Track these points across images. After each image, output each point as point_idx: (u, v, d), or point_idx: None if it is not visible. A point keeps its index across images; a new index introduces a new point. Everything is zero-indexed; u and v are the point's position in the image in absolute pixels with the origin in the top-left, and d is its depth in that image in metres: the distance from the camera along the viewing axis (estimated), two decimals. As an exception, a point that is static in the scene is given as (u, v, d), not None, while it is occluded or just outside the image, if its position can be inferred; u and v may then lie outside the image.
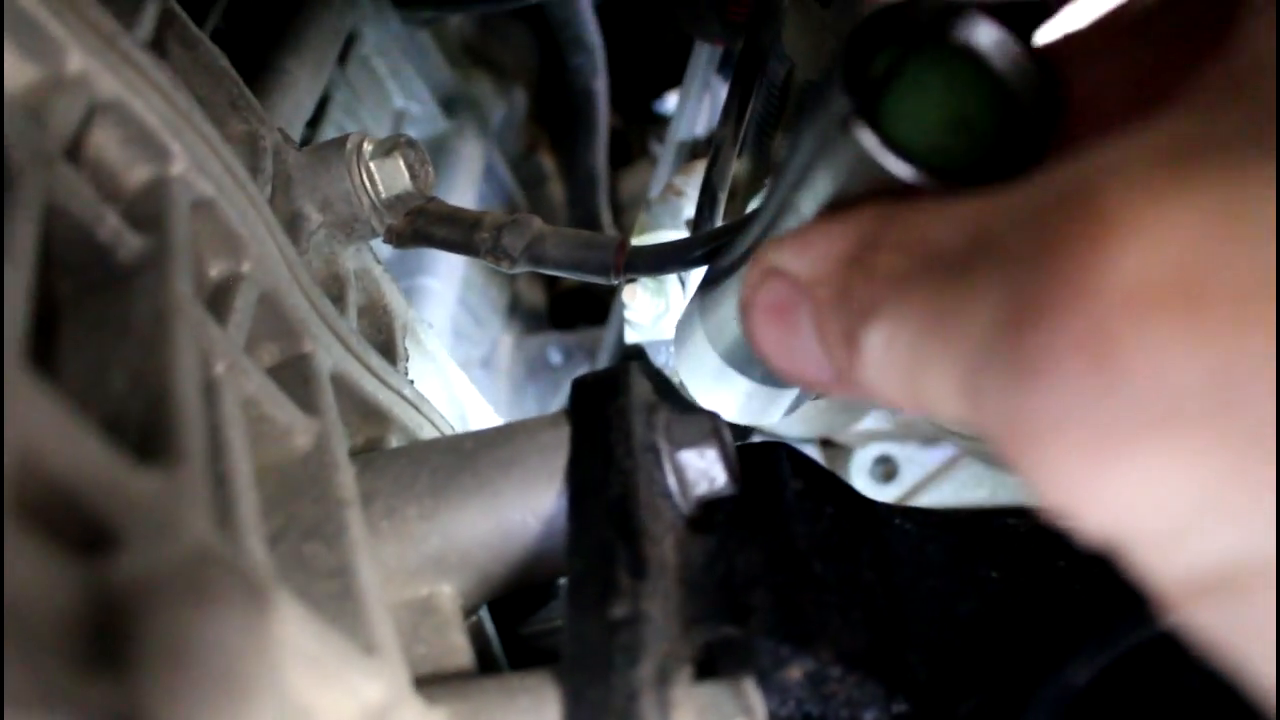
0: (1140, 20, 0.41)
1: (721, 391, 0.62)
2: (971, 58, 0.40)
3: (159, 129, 0.53)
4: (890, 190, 0.39)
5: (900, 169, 0.38)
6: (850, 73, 0.40)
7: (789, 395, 0.63)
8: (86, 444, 0.32)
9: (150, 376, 0.41)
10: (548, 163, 1.80)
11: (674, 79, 1.31)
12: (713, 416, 0.57)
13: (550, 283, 1.87)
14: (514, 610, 0.68)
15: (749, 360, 0.59)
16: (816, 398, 0.77)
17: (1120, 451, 0.29)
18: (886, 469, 1.27)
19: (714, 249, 0.68)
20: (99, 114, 0.51)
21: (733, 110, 0.86)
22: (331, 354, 0.64)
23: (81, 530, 0.32)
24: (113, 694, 0.27)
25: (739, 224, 0.66)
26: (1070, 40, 0.43)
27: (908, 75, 0.40)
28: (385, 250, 1.21)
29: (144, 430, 0.39)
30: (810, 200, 0.44)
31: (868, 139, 0.38)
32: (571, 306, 1.84)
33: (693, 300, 0.62)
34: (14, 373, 0.31)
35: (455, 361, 0.94)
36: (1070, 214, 0.31)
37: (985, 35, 0.40)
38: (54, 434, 0.31)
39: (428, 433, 0.73)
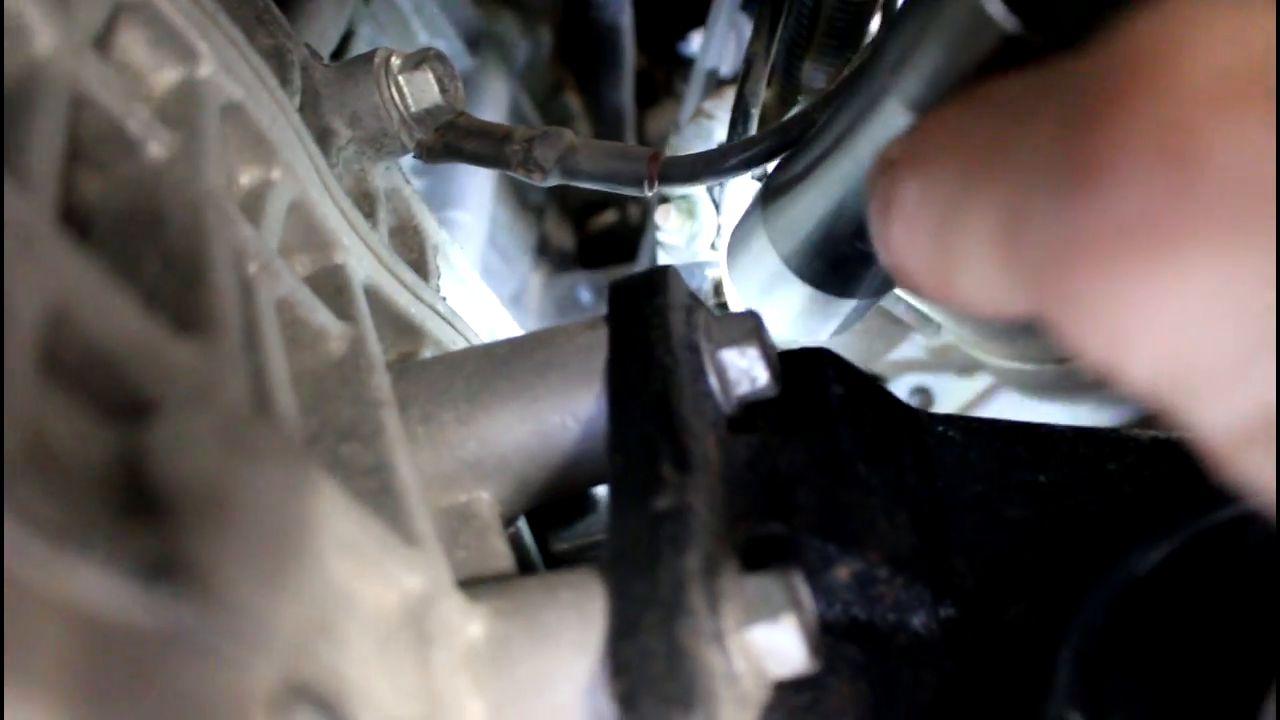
0: None
1: (777, 298, 0.61)
2: None
3: (186, 30, 0.52)
4: (993, 53, 0.39)
5: (1005, 17, 0.38)
6: None
7: (845, 306, 0.62)
8: (121, 307, 0.32)
9: (184, 259, 0.40)
10: (574, 102, 1.78)
11: (698, 19, 1.30)
12: (754, 315, 0.56)
13: (579, 223, 1.86)
14: (549, 526, 0.67)
15: (811, 262, 0.58)
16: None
17: (1189, 261, 0.27)
18: (922, 399, 1.26)
19: (750, 157, 0.67)
20: (125, 12, 0.50)
21: (764, 26, 0.85)
22: (364, 266, 0.63)
23: (118, 396, 0.31)
24: (155, 540, 0.26)
25: (779, 129, 0.65)
26: None
27: None
28: (415, 183, 1.20)
29: (179, 309, 0.38)
30: (915, 77, 0.44)
31: None
32: (600, 247, 1.83)
33: (754, 203, 0.62)
34: (45, 230, 0.30)
35: (485, 297, 0.93)
36: (1145, 32, 0.29)
37: None
38: (87, 294, 0.30)
39: (461, 347, 0.72)
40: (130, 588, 0.24)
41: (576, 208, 1.86)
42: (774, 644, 0.44)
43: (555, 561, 0.67)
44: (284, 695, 0.28)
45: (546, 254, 1.70)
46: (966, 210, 0.33)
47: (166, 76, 0.52)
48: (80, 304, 0.30)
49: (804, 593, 0.46)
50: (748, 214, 0.62)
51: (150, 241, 0.42)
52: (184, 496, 0.28)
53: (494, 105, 1.51)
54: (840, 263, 0.57)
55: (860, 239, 0.53)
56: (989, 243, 0.33)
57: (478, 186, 1.36)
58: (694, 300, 0.59)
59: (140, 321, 0.32)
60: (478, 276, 0.90)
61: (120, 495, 0.28)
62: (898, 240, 0.38)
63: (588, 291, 1.63)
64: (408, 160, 0.78)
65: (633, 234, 1.77)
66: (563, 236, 1.80)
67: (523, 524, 0.64)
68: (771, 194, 0.60)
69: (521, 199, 1.58)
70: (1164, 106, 0.27)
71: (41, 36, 0.42)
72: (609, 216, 1.88)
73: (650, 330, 0.54)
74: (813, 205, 0.56)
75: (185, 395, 0.31)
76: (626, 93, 1.74)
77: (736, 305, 0.66)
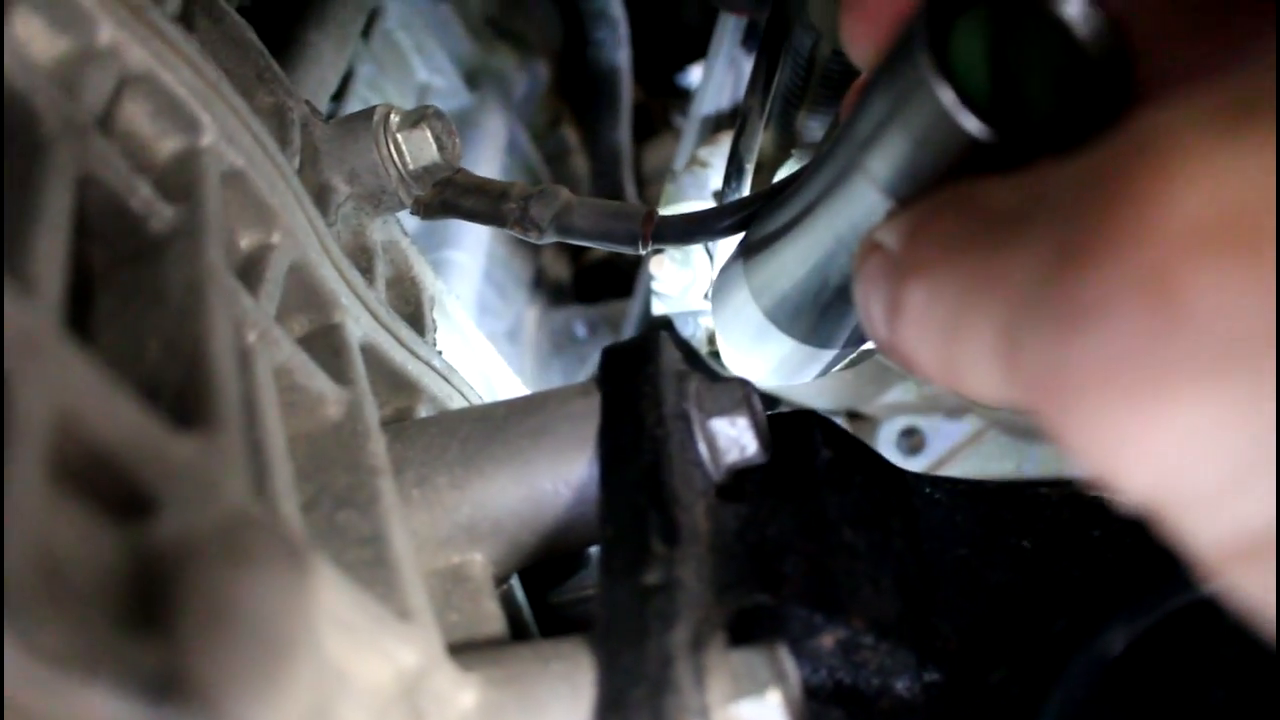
0: None
1: (760, 349, 0.62)
2: (1058, 26, 0.41)
3: (189, 100, 0.53)
4: (962, 153, 0.40)
5: (976, 127, 0.39)
6: (932, 31, 0.40)
7: (827, 356, 0.63)
8: (124, 408, 0.32)
9: (185, 344, 0.41)
10: (571, 136, 1.79)
11: (697, 52, 1.31)
12: (744, 384, 0.57)
13: (575, 256, 1.87)
14: (544, 579, 0.68)
15: (792, 318, 0.59)
16: (854, 361, 0.77)
17: (1174, 398, 0.28)
18: (913, 441, 1.27)
19: (742, 218, 0.68)
20: (129, 86, 0.51)
21: (759, 80, 0.86)
22: (361, 325, 0.64)
23: (121, 495, 0.32)
24: (157, 654, 0.27)
25: (770, 191, 0.66)
26: None
27: (991, 39, 0.41)
28: (411, 223, 1.21)
29: (180, 397, 0.39)
30: (881, 161, 0.44)
31: (946, 96, 0.39)
32: (596, 280, 1.83)
33: (735, 256, 0.62)
34: (52, 336, 0.31)
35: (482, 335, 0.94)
36: (1129, 163, 0.30)
37: (1074, 6, 0.41)
38: (92, 397, 0.31)
39: (457, 403, 0.73)
40: (135, 709, 0.25)
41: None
42: (759, 718, 0.45)
43: (548, 613, 0.67)
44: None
45: (543, 288, 1.71)
46: (970, 320, 0.35)
47: (169, 146, 0.53)
48: (85, 408, 0.31)
49: (789, 665, 0.47)
50: (729, 266, 0.63)
51: (152, 322, 0.43)
52: (184, 605, 0.29)
53: (492, 140, 1.51)
54: (819, 318, 0.58)
55: (842, 299, 0.54)
56: (991, 353, 0.34)
57: (474, 226, 1.37)
58: (686, 366, 0.60)
59: (142, 420, 0.33)
60: (474, 326, 0.90)
61: (125, 598, 0.29)
62: (909, 341, 0.40)
63: (583, 326, 1.64)
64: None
65: (629, 267, 1.78)
66: (559, 270, 1.81)
67: (515, 580, 0.65)
68: (751, 249, 0.61)
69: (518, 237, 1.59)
70: (1146, 252, 0.28)
71: (48, 119, 0.43)
72: (603, 251, 1.88)
73: (642, 400, 0.55)
74: (791, 264, 0.56)
75: (185, 493, 0.32)
76: (624, 128, 1.75)
77: (729, 354, 0.67)
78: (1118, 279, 0.29)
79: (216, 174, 0.53)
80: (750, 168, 0.83)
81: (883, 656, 0.55)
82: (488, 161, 1.47)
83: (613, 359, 0.59)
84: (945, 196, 0.39)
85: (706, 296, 1.08)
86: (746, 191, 0.84)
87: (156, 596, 0.29)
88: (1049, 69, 0.41)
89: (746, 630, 0.50)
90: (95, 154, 0.45)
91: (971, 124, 0.39)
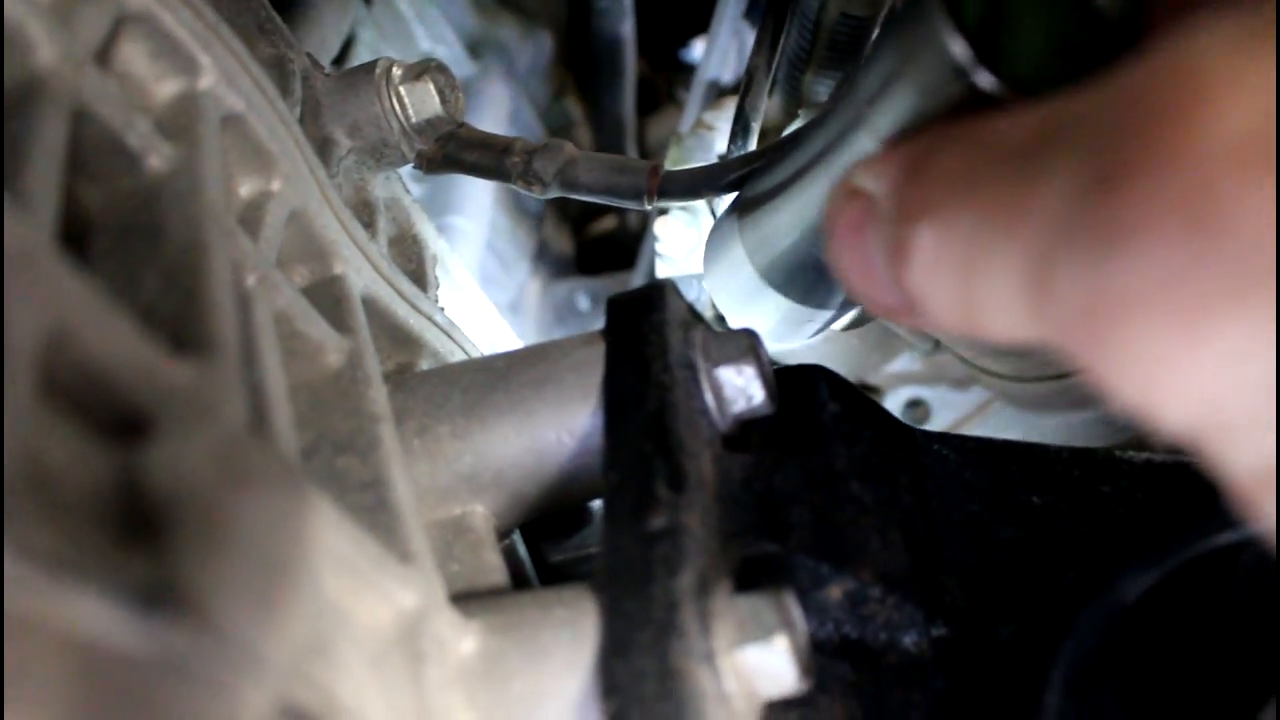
0: None
1: (754, 309, 0.62)
2: None
3: (188, 41, 0.52)
4: (970, 107, 0.39)
5: (989, 81, 0.38)
6: None
7: (823, 316, 0.62)
8: (119, 327, 0.32)
9: (183, 278, 0.40)
10: (575, 108, 1.78)
11: (701, 26, 1.30)
12: (750, 334, 0.57)
13: (577, 229, 1.86)
14: (546, 537, 0.68)
15: (788, 278, 0.58)
16: (852, 324, 0.76)
17: (1218, 320, 0.27)
18: (919, 412, 1.26)
19: (749, 173, 0.67)
20: (127, 25, 0.50)
21: (766, 39, 0.85)
22: (363, 277, 0.63)
23: (114, 415, 0.31)
24: (150, 565, 0.26)
25: (777, 145, 0.65)
26: None
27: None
28: (415, 189, 1.20)
29: (177, 327, 0.38)
30: (887, 115, 0.44)
31: (958, 48, 0.38)
32: (599, 252, 1.83)
33: (729, 214, 0.62)
34: (45, 252, 0.30)
35: (483, 303, 0.93)
36: (1161, 87, 0.29)
37: None
38: (86, 315, 0.31)
39: (459, 358, 0.72)
40: (126, 616, 0.24)
41: (576, 214, 1.87)
42: (765, 664, 0.44)
43: (550, 572, 0.67)
44: (277, 719, 0.29)
45: (545, 260, 1.71)
46: (989, 258, 0.34)
47: (168, 87, 0.52)
48: (79, 326, 0.30)
49: (796, 613, 0.47)
50: (723, 222, 0.62)
51: (149, 257, 0.42)
52: (179, 521, 0.28)
53: (495, 110, 1.51)
54: (816, 278, 0.58)
55: None
56: (1017, 289, 0.33)
57: (477, 193, 1.37)
58: (691, 317, 0.59)
59: (138, 342, 0.32)
60: (476, 285, 0.90)
61: (117, 517, 0.28)
62: (920, 285, 0.38)
63: (586, 298, 1.63)
64: (407, 167, 0.78)
65: (632, 240, 1.77)
66: (562, 242, 1.80)
67: (517, 536, 0.64)
68: (747, 206, 0.60)
69: (521, 205, 1.58)
70: (1186, 169, 0.27)
71: (42, 50, 0.42)
72: (608, 222, 1.88)
73: (647, 347, 0.54)
74: (788, 223, 0.56)
75: (182, 416, 0.32)
76: (628, 99, 1.74)
77: (724, 313, 0.66)
78: (1160, 199, 0.28)
79: (216, 117, 0.52)
80: (756, 126, 0.82)
81: (890, 610, 0.54)
82: (490, 131, 1.46)
83: (618, 308, 0.58)
84: (943, 135, 0.39)
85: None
86: (753, 149, 0.83)
87: (150, 515, 0.29)
88: (1061, 24, 0.40)
89: (753, 579, 0.49)
90: (91, 88, 0.44)
91: (982, 77, 0.38)
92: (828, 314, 0.62)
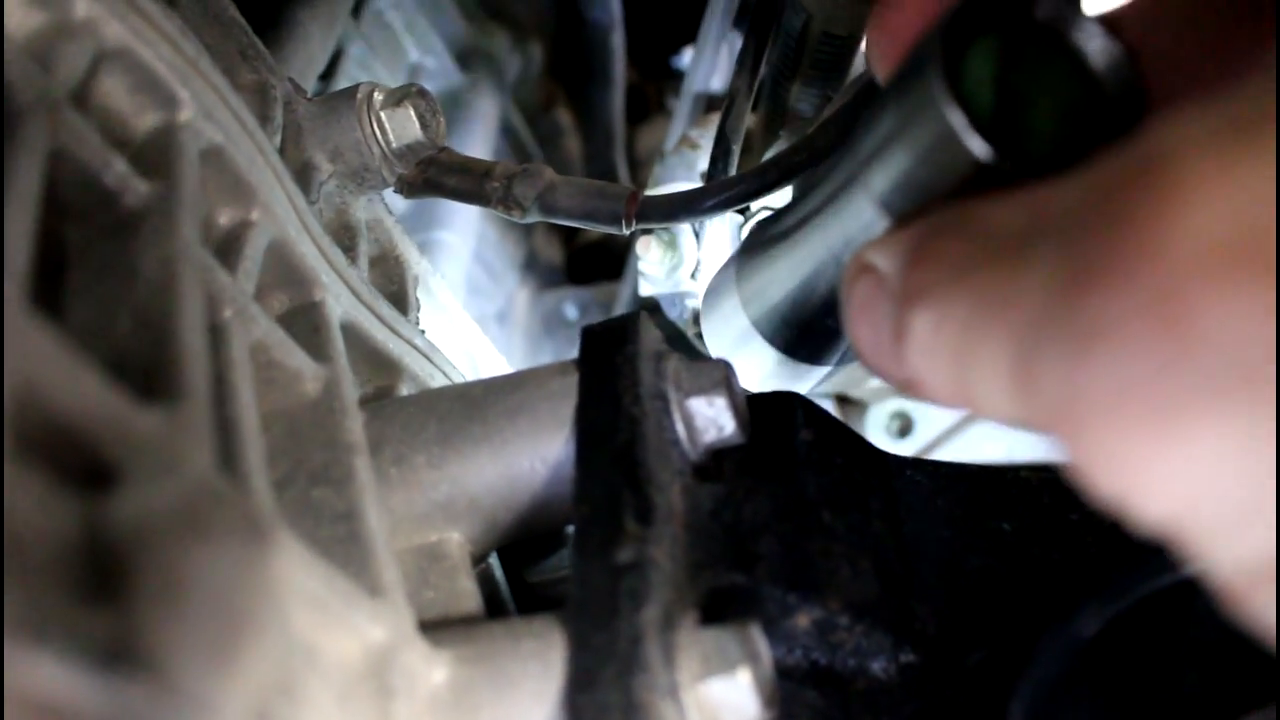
0: None
1: (746, 357, 0.62)
2: (1073, 56, 0.42)
3: (167, 76, 0.53)
4: (966, 175, 0.40)
5: (982, 150, 0.39)
6: (947, 52, 0.40)
7: (814, 374, 0.63)
8: (86, 380, 0.32)
9: (155, 319, 0.41)
10: (565, 118, 1.79)
11: (691, 34, 1.30)
12: (723, 365, 0.57)
13: (567, 238, 1.87)
14: (524, 558, 0.68)
15: (780, 330, 0.59)
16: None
17: (1189, 424, 0.28)
18: (902, 424, 1.27)
19: (727, 198, 0.68)
20: (106, 61, 0.51)
21: (747, 60, 0.86)
22: (342, 302, 0.64)
23: (82, 467, 0.32)
24: (110, 624, 0.27)
25: (755, 172, 0.66)
26: (1131, 8, 0.42)
27: (1004, 64, 0.41)
28: (401, 204, 1.21)
29: (148, 371, 0.39)
30: (883, 178, 0.45)
31: (955, 117, 0.39)
32: (588, 262, 1.83)
33: (730, 260, 0.62)
34: (15, 308, 0.31)
35: (470, 316, 0.94)
36: (1135, 182, 0.29)
37: (1093, 39, 0.41)
38: (54, 369, 0.31)
39: (439, 382, 0.73)
40: (84, 676, 0.25)
41: (565, 223, 1.87)
42: (729, 698, 0.45)
43: (527, 592, 0.68)
44: (234, 767, 0.29)
45: (534, 269, 1.71)
46: (980, 344, 0.35)
47: (147, 121, 0.53)
48: (47, 380, 0.31)
49: (761, 645, 0.47)
50: (724, 269, 0.62)
51: (123, 296, 0.43)
52: (140, 575, 0.29)
53: (485, 121, 1.51)
54: (808, 333, 0.58)
55: (829, 315, 0.54)
56: (1005, 376, 0.34)
57: (464, 206, 1.37)
58: (665, 347, 0.60)
59: (105, 393, 0.33)
60: (460, 306, 0.90)
61: (81, 572, 0.29)
62: (918, 366, 0.39)
63: (574, 308, 1.64)
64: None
65: (621, 249, 1.78)
66: (551, 252, 1.81)
67: (494, 559, 0.65)
68: (746, 254, 0.61)
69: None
70: (1154, 272, 0.28)
71: (20, 91, 0.43)
72: (597, 233, 1.88)
73: (619, 379, 0.55)
74: (782, 276, 0.56)
75: (147, 466, 0.32)
76: (617, 109, 1.75)
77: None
78: (1128, 302, 0.28)
79: (195, 150, 0.53)
80: (737, 148, 0.83)
81: (859, 638, 0.55)
82: (480, 143, 1.47)
83: (591, 339, 0.59)
84: (946, 217, 0.39)
85: (694, 277, 1.08)
86: (733, 172, 0.83)
87: (115, 569, 0.29)
88: (1061, 98, 0.41)
89: (720, 610, 0.50)
90: (68, 128, 0.44)
91: (978, 147, 0.39)
92: (819, 371, 0.63)
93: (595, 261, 1.83)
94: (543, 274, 1.74)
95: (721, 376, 0.56)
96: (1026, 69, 0.41)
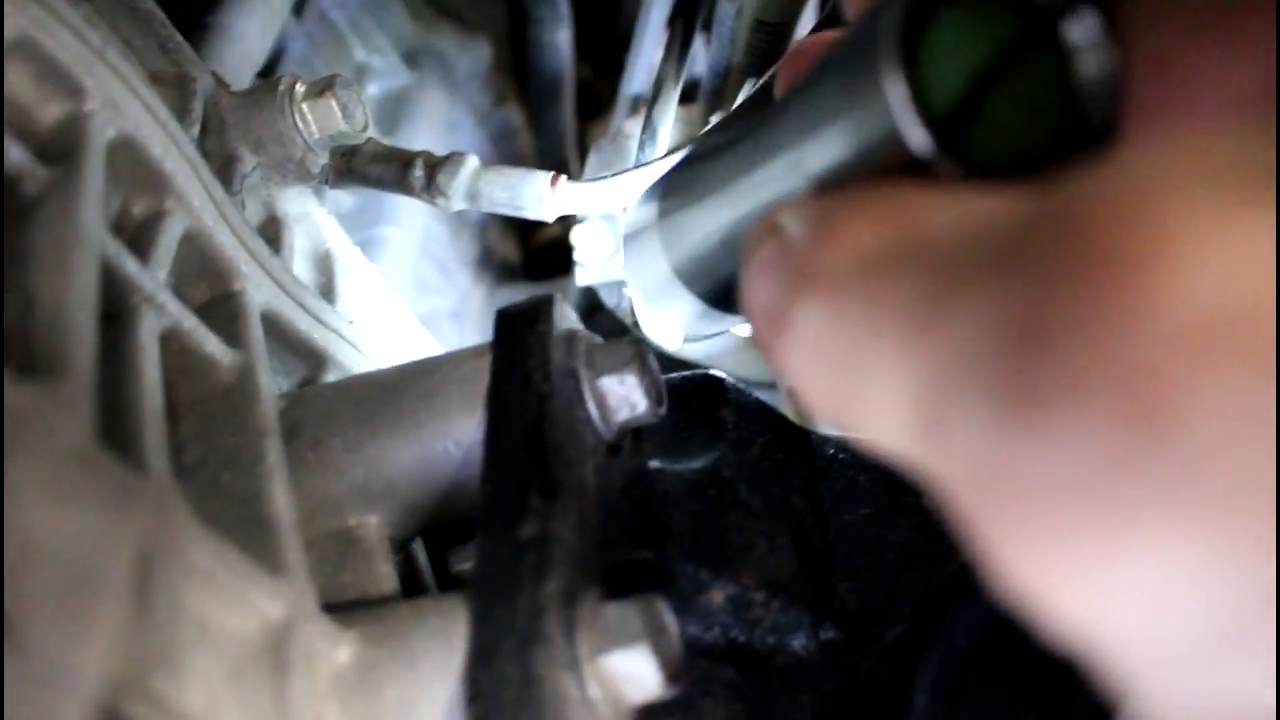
0: None
1: (667, 304, 0.61)
2: (1058, 50, 0.34)
3: (70, 65, 0.53)
4: (902, 168, 0.33)
5: (922, 142, 0.32)
6: (910, 13, 0.33)
7: (732, 320, 0.62)
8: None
9: (43, 298, 0.41)
10: (517, 115, 1.79)
11: (643, 31, 1.31)
12: (635, 343, 0.57)
13: (524, 236, 1.87)
14: (447, 545, 0.68)
15: (701, 279, 0.58)
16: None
17: (1148, 535, 0.22)
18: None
19: (648, 180, 0.68)
20: (10, 50, 0.51)
21: (674, 49, 0.86)
22: (263, 292, 0.64)
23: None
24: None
25: (676, 156, 0.66)
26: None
27: (973, 44, 0.34)
28: (347, 201, 1.21)
29: (31, 350, 0.39)
30: (816, 154, 0.38)
31: (897, 91, 0.32)
32: (546, 260, 1.83)
33: (652, 195, 0.60)
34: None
35: (420, 313, 0.94)
36: (1115, 220, 0.23)
37: (1090, 37, 0.34)
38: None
39: (367, 370, 0.73)
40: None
41: (521, 221, 1.87)
42: (629, 670, 0.45)
43: (453, 582, 0.68)
44: (96, 731, 0.30)
45: (490, 266, 1.71)
46: (881, 360, 0.28)
47: (51, 111, 0.53)
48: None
49: (667, 619, 0.47)
50: (645, 206, 0.62)
51: (15, 279, 0.43)
52: (5, 544, 0.29)
53: (432, 120, 1.51)
54: (732, 285, 0.58)
55: None
56: (905, 414, 0.28)
57: (410, 201, 1.37)
58: (578, 327, 0.60)
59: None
60: (395, 296, 0.90)
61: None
62: (795, 366, 0.33)
63: (529, 304, 1.63)
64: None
65: (577, 245, 1.78)
66: (507, 249, 1.81)
67: (419, 546, 0.65)
68: (666, 197, 0.59)
69: (461, 213, 1.59)
70: (1135, 340, 0.22)
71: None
72: (555, 229, 1.88)
73: (530, 358, 0.55)
74: (703, 226, 0.55)
75: (17, 438, 0.32)
76: (567, 106, 1.75)
77: (639, 306, 0.66)
78: (1093, 366, 0.23)
79: (101, 140, 0.53)
80: (664, 133, 0.84)
81: (776, 614, 0.55)
82: (428, 141, 1.46)
83: (504, 321, 0.59)
84: (872, 195, 0.32)
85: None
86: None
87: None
88: (1035, 99, 0.34)
89: (629, 585, 0.50)
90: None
91: (918, 138, 0.32)
92: (736, 318, 0.62)
93: (553, 259, 1.83)
94: (499, 271, 1.74)
95: (633, 354, 0.57)
96: (1002, 55, 0.34)
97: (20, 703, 0.27)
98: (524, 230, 1.87)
